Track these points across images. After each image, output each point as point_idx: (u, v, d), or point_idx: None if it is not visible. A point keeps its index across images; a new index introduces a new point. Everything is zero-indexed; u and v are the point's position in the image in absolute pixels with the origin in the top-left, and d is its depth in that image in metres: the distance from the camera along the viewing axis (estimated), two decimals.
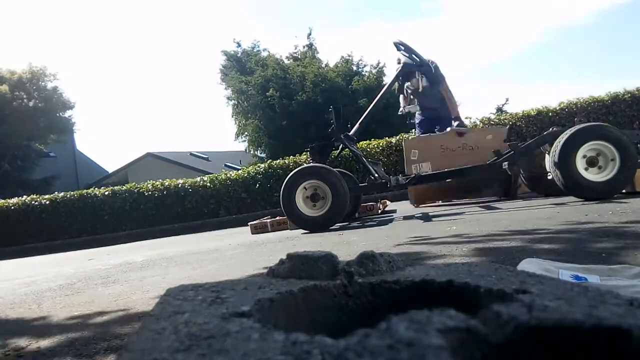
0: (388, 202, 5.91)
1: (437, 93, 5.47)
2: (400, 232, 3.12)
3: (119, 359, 0.38)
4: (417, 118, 5.96)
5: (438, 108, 5.59)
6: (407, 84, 5.55)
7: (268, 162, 9.29)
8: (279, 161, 8.99)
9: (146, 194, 9.38)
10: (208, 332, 0.41)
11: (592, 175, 3.59)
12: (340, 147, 4.75)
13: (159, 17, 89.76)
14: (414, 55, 4.71)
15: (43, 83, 19.54)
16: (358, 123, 4.85)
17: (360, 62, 17.39)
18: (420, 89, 5.38)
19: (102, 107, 71.67)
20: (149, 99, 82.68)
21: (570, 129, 3.71)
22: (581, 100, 8.74)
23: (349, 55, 17.42)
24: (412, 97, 5.66)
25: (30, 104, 18.50)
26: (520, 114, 8.75)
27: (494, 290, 0.52)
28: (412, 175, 4.47)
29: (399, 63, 5.10)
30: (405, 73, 5.31)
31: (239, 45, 18.24)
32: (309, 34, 18.90)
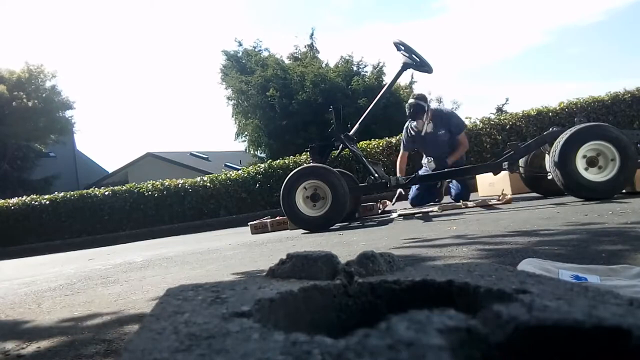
0: (388, 202, 5.91)
1: (442, 139, 5.24)
2: (400, 232, 3.12)
3: (119, 359, 0.38)
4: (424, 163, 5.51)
5: (438, 156, 5.22)
6: (413, 123, 5.35)
7: (268, 162, 9.29)
8: (279, 161, 8.99)
9: (146, 194, 9.39)
10: (208, 332, 0.41)
11: (592, 175, 3.59)
12: (340, 147, 4.75)
13: (159, 17, 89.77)
14: (414, 56, 4.71)
15: (42, 82, 19.55)
16: (358, 123, 4.85)
17: (360, 62, 17.40)
18: (423, 133, 5.22)
19: (102, 107, 71.73)
20: (148, 99, 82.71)
21: (570, 129, 3.71)
22: (581, 100, 8.74)
23: (349, 56, 17.43)
24: (413, 139, 5.44)
25: (30, 104, 18.50)
26: (520, 114, 8.75)
27: (494, 290, 0.52)
28: (412, 175, 4.47)
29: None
30: (414, 112, 5.18)
31: (240, 44, 18.24)
32: (312, 34, 18.90)
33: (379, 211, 5.35)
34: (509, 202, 4.31)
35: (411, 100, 5.33)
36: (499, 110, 19.29)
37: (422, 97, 5.34)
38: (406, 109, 5.33)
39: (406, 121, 5.55)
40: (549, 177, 3.89)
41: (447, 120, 5.27)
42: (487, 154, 8.15)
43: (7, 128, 17.68)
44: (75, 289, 2.44)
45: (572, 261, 1.43)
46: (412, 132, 5.41)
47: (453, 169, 4.81)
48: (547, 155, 3.94)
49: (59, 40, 79.98)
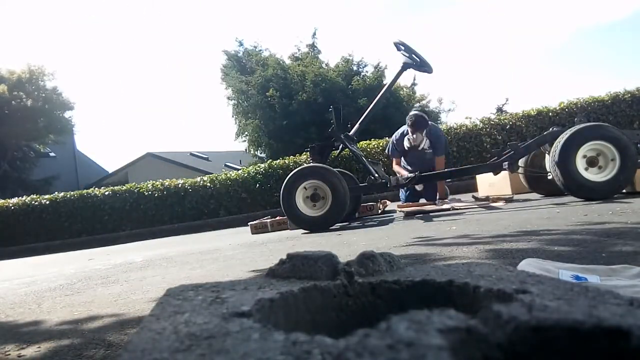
0: (388, 202, 5.91)
1: (429, 157, 5.16)
2: (400, 232, 3.12)
3: (119, 359, 0.38)
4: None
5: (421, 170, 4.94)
6: (411, 136, 5.11)
7: (268, 162, 9.30)
8: (279, 161, 8.99)
9: (146, 194, 9.39)
10: (208, 332, 0.41)
11: (592, 175, 3.59)
12: (340, 147, 4.75)
13: (159, 17, 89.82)
14: (414, 56, 4.71)
15: (42, 82, 19.55)
16: (358, 123, 4.85)
17: (360, 62, 17.40)
18: (420, 148, 5.10)
19: (102, 107, 71.75)
20: (149, 98, 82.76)
21: (570, 129, 3.71)
22: (581, 100, 8.75)
23: (350, 55, 17.43)
24: (402, 150, 5.31)
25: (29, 104, 18.49)
26: (520, 114, 8.75)
27: (494, 290, 0.52)
28: (411, 176, 4.47)
29: None
30: (418, 124, 5.05)
31: (241, 44, 18.24)
32: (314, 34, 18.90)
33: (379, 211, 5.35)
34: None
35: (417, 112, 5.22)
36: (499, 110, 19.30)
37: (424, 112, 5.28)
38: (408, 119, 5.16)
39: (403, 129, 5.35)
40: (549, 177, 3.89)
41: (436, 140, 5.17)
42: (487, 154, 8.16)
43: (7, 128, 17.66)
44: (75, 289, 2.44)
45: (572, 261, 1.43)
46: (406, 143, 5.20)
47: (454, 168, 4.82)
48: (547, 155, 3.94)
49: (60, 40, 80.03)
